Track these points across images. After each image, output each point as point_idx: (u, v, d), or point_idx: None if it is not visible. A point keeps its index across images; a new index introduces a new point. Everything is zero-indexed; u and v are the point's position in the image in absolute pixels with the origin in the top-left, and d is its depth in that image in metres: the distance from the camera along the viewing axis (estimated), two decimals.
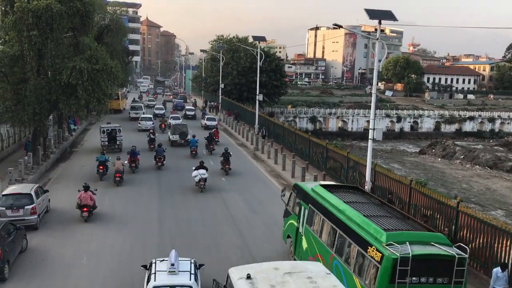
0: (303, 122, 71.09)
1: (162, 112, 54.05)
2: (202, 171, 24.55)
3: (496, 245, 14.24)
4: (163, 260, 12.28)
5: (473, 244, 15.06)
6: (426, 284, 10.28)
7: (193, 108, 59.84)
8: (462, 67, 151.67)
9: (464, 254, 10.44)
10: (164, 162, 29.43)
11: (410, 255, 10.02)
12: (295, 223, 15.31)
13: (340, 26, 20.37)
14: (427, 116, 76.77)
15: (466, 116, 77.72)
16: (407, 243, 10.33)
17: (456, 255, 10.30)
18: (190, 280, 11.39)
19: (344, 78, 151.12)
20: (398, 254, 10.02)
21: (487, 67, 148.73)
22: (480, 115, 78.98)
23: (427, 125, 75.32)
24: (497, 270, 12.53)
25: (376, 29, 18.48)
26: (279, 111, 70.45)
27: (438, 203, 17.00)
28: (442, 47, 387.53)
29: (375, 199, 14.76)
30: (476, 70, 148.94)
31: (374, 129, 18.94)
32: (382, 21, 18.09)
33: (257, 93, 43.36)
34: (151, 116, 46.67)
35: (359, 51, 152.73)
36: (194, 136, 33.99)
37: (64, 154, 33.82)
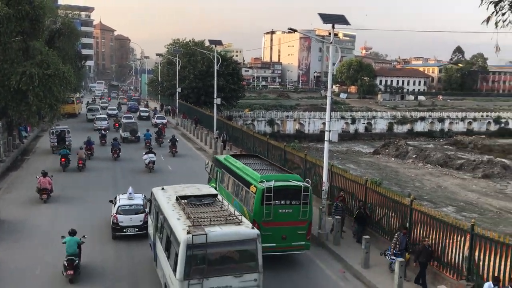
0: (261, 125, 71.55)
1: (115, 112, 58.54)
2: (151, 154, 29.87)
3: (447, 240, 14.85)
4: (124, 194, 19.62)
5: (427, 240, 15.61)
6: (284, 205, 16.06)
7: (147, 109, 63.84)
8: (412, 70, 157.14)
9: (307, 184, 16.44)
10: (120, 153, 33.24)
11: (272, 186, 15.83)
12: (214, 185, 20.61)
13: (295, 30, 20.69)
14: (380, 117, 78.97)
15: (417, 117, 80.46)
16: (273, 180, 16.19)
17: (302, 185, 16.25)
18: (141, 201, 18.88)
19: (300, 81, 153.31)
20: (265, 186, 15.82)
21: (436, 70, 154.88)
22: (430, 116, 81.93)
23: (380, 126, 77.45)
24: (489, 284, 12.28)
25: (329, 33, 18.90)
26: (237, 114, 70.64)
27: (393, 201, 17.54)
28: (393, 51, 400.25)
29: (266, 161, 21.27)
30: (426, 72, 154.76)
31: (330, 131, 19.31)
32: (336, 25, 18.51)
33: (215, 96, 43.31)
34: (105, 116, 49.87)
35: (314, 55, 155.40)
36: (148, 130, 39.03)
37: (15, 162, 32.59)
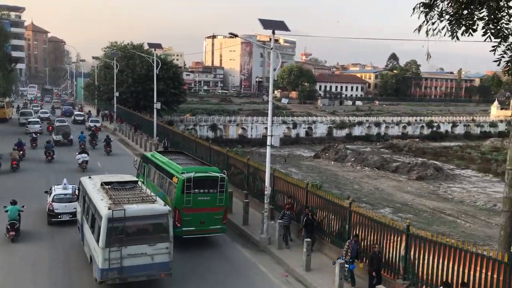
0: (204, 130, 71.01)
1: (47, 115, 59.16)
2: (84, 154, 31.03)
3: (385, 241, 15.32)
4: (59, 185, 21.92)
5: (365, 241, 16.04)
6: (203, 193, 18.17)
7: (81, 113, 63.93)
8: (350, 76, 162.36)
9: (224, 175, 18.98)
10: (54, 156, 33.64)
11: (192, 177, 17.87)
12: (142, 179, 22.01)
13: (235, 35, 20.69)
14: (320, 122, 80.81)
15: (355, 122, 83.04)
16: (193, 172, 18.29)
17: (219, 176, 18.58)
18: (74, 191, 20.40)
19: (242, 86, 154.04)
20: (185, 177, 17.80)
21: (372, 76, 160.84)
22: (367, 120, 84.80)
23: (320, 130, 79.21)
24: None
25: (270, 39, 19.06)
26: (179, 119, 69.70)
27: (333, 204, 17.89)
28: (332, 57, 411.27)
29: (190, 156, 23.79)
30: (363, 78, 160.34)
31: (272, 135, 19.43)
32: (276, 31, 18.71)
33: (155, 101, 42.47)
34: (38, 120, 49.51)
35: (256, 60, 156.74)
36: (82, 133, 39.39)
37: None
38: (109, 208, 13.61)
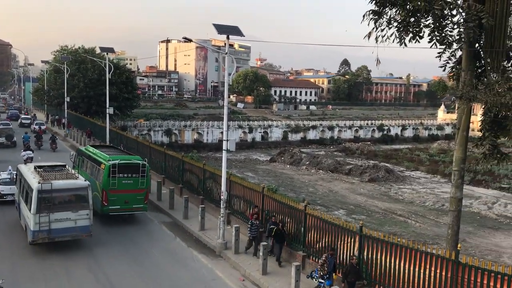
0: (158, 135, 69.96)
1: None
2: (28, 151, 32.72)
3: (339, 242, 15.62)
4: (4, 171, 25.18)
5: (320, 243, 16.31)
6: (126, 177, 21.59)
7: (28, 117, 64.76)
8: (304, 81, 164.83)
9: (145, 162, 22.54)
10: None
11: (117, 163, 21.36)
12: (77, 170, 23.24)
13: (189, 40, 20.59)
14: (276, 126, 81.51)
15: (310, 126, 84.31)
16: (118, 159, 21.83)
17: (140, 163, 22.14)
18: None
19: (198, 90, 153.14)
20: (111, 163, 21.26)
21: (325, 81, 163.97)
22: (321, 124, 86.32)
23: (276, 134, 79.88)
24: None
25: (225, 44, 19.09)
26: (132, 124, 68.37)
27: (288, 207, 18.08)
28: (286, 62, 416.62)
29: (119, 149, 28.57)
30: (316, 83, 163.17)
31: (227, 140, 19.45)
32: (230, 36, 18.76)
33: (107, 106, 41.50)
34: None
35: (211, 65, 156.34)
36: (26, 133, 41.06)
37: None
38: (39, 182, 17.37)
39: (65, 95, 54.80)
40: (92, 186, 19.27)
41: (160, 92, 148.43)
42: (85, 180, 18.83)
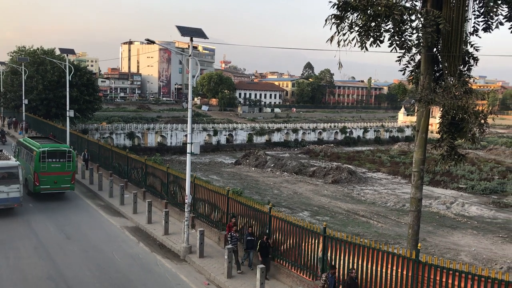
0: (121, 138, 68.68)
1: None
2: None
3: (303, 244, 15.75)
4: None
5: (285, 245, 16.40)
6: (55, 161, 25.98)
7: None
8: (268, 84, 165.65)
9: (71, 149, 27.61)
10: None
11: (46, 150, 25.84)
12: (16, 158, 26.68)
13: (152, 42, 20.34)
14: (241, 129, 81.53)
15: (274, 128, 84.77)
16: (48, 147, 26.37)
17: (67, 149, 26.95)
18: None
19: (161, 93, 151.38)
20: (41, 150, 25.72)
21: (289, 84, 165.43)
22: (286, 127, 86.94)
23: (241, 137, 79.88)
24: None
25: (189, 46, 18.96)
26: (94, 127, 66.87)
27: (253, 210, 18.11)
28: (251, 65, 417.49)
29: (53, 140, 31.87)
30: (281, 86, 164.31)
31: (191, 143, 19.30)
32: (194, 39, 18.65)
33: (68, 109, 40.43)
34: None
35: (175, 67, 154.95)
36: None
37: None
38: None
39: (23, 98, 53.03)
40: (26, 170, 26.27)
41: (122, 94, 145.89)
42: (16, 161, 24.25)
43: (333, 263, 14.60)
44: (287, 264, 16.36)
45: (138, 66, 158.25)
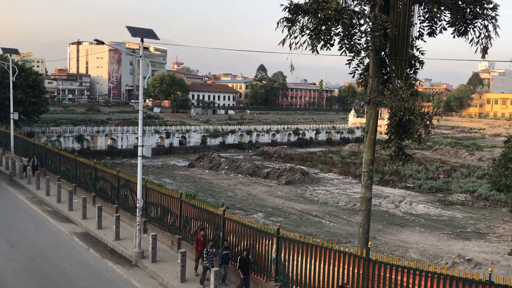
0: (69, 141, 66.42)
1: None
2: None
3: (257, 245, 15.78)
4: None
5: (239, 247, 16.37)
6: None
7: None
8: (222, 85, 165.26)
9: None
10: None
11: None
12: None
13: (102, 42, 19.80)
14: (194, 131, 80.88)
15: (228, 130, 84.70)
16: None
17: None
18: None
19: (111, 94, 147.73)
20: None
21: (243, 86, 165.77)
22: (240, 129, 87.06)
23: (194, 139, 79.21)
24: None
25: (139, 47, 18.60)
26: (40, 130, 64.33)
27: (207, 212, 17.98)
28: (204, 67, 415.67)
29: None
30: (234, 88, 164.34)
31: (143, 146, 18.95)
32: (145, 39, 18.31)
33: (11, 111, 38.71)
34: None
35: (125, 68, 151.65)
36: None
37: None
38: None
39: None
40: None
41: (70, 96, 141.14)
42: None
43: (286, 263, 14.72)
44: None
45: (87, 67, 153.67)
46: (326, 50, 14.47)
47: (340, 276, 13.45)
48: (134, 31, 17.80)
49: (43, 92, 62.62)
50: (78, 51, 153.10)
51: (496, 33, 14.41)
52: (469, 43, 14.63)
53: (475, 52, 14.55)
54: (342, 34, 14.21)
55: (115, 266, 18.02)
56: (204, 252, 16.22)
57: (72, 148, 61.33)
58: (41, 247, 19.48)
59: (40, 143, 38.88)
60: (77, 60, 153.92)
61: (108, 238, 20.84)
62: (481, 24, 14.53)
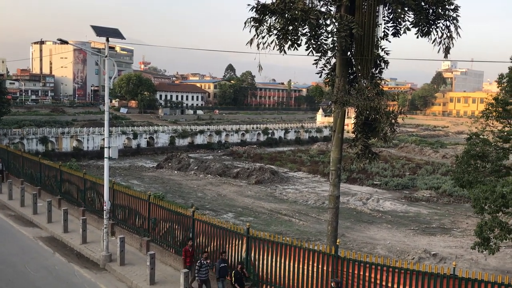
0: (33, 143, 64.61)
1: None
2: None
3: (227, 246, 15.75)
4: None
5: (209, 248, 16.29)
6: None
7: None
8: (190, 85, 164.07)
9: None
10: None
11: None
12: None
13: (65, 42, 19.30)
14: (162, 131, 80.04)
15: (197, 130, 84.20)
16: None
17: None
18: None
19: (77, 95, 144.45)
20: None
21: (212, 85, 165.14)
22: (209, 129, 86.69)
23: (162, 140, 78.40)
24: None
25: (105, 46, 18.26)
26: (2, 132, 62.34)
27: (176, 214, 17.81)
28: (171, 66, 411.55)
29: None
30: (203, 88, 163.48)
31: (109, 147, 18.61)
32: (111, 39, 17.99)
33: None
34: None
35: (90, 68, 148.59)
36: None
37: None
38: None
39: None
40: None
41: (34, 97, 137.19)
42: None
43: (257, 263, 14.75)
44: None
45: (51, 67, 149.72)
46: (294, 50, 14.59)
47: (310, 274, 13.57)
48: (99, 31, 17.46)
49: (4, 93, 60.87)
50: (41, 50, 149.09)
51: (458, 33, 14.84)
52: (432, 43, 15.02)
53: (438, 52, 14.96)
54: (309, 35, 14.35)
55: (82, 270, 17.64)
56: (197, 264, 14.89)
57: (36, 151, 59.69)
58: (3, 253, 18.86)
59: (2, 146, 37.68)
60: (41, 60, 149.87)
61: (75, 242, 20.38)
62: (443, 25, 14.93)
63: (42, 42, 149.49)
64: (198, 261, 14.94)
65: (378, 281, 12.36)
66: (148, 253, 16.27)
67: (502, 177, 18.41)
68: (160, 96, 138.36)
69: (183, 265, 16.07)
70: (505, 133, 18.78)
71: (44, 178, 28.35)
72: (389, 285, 12.17)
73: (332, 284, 12.73)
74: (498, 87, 20.39)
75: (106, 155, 18.33)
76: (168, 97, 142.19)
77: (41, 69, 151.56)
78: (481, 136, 19.75)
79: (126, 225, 20.70)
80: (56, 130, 69.62)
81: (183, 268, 15.71)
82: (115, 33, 17.93)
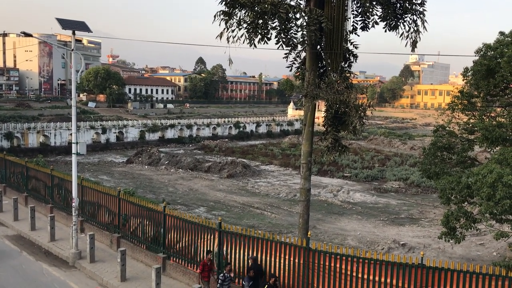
0: None
1: None
2: None
3: (199, 240, 15.70)
4: None
5: (181, 243, 16.20)
6: None
7: None
8: (160, 79, 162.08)
9: None
10: None
11: None
12: None
13: (29, 35, 18.75)
14: (132, 126, 78.85)
15: (168, 124, 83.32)
16: None
17: None
18: None
19: (43, 89, 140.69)
20: None
21: (182, 79, 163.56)
22: (179, 123, 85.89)
23: (132, 134, 77.28)
24: None
25: (71, 39, 17.82)
26: None
27: (147, 209, 17.63)
28: (141, 59, 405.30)
29: None
30: (173, 81, 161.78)
31: (77, 142, 18.23)
32: (77, 32, 17.57)
33: None
34: None
35: (57, 61, 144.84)
36: None
37: None
38: None
39: None
40: None
41: None
42: None
43: (229, 257, 14.76)
44: (183, 262, 16.20)
45: (15, 61, 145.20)
46: (264, 44, 14.56)
47: (282, 266, 13.67)
48: (65, 24, 17.03)
49: None
50: (4, 43, 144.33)
51: (424, 27, 15.12)
52: (400, 37, 15.26)
53: (406, 45, 15.21)
54: (278, 28, 14.34)
55: (51, 268, 17.29)
56: (221, 277, 13.98)
57: (1, 147, 57.95)
58: None
59: None
60: (4, 53, 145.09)
61: (43, 240, 19.94)
62: (411, 19, 15.19)
63: (5, 35, 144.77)
64: (222, 274, 14.11)
65: (348, 272, 12.55)
66: (119, 250, 16.07)
67: (468, 168, 18.93)
68: (130, 89, 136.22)
69: (198, 280, 14.74)
70: (470, 125, 19.28)
71: (10, 175, 27.59)
72: (360, 275, 12.39)
73: (250, 261, 13.69)
74: (463, 80, 20.89)
75: (74, 150, 17.96)
76: (138, 91, 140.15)
77: (4, 62, 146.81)
78: (447, 128, 20.23)
79: (96, 221, 20.38)
80: (21, 125, 67.68)
81: (198, 283, 14.57)
82: (82, 26, 17.53)
